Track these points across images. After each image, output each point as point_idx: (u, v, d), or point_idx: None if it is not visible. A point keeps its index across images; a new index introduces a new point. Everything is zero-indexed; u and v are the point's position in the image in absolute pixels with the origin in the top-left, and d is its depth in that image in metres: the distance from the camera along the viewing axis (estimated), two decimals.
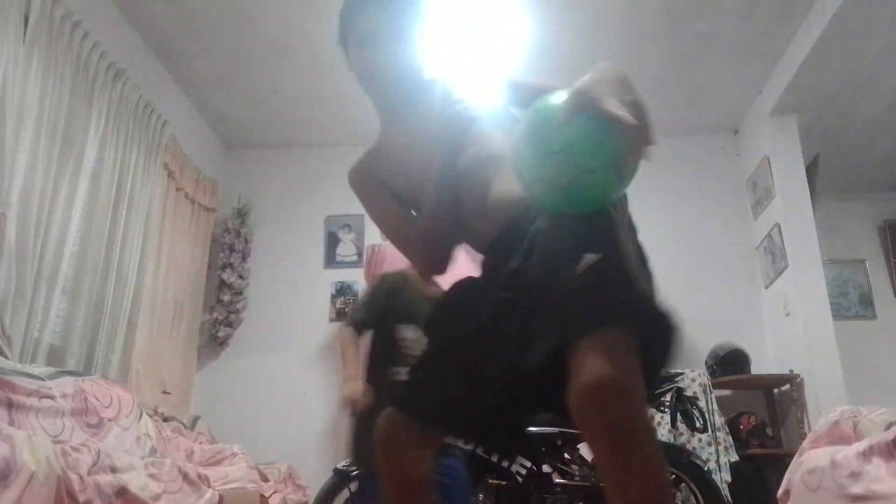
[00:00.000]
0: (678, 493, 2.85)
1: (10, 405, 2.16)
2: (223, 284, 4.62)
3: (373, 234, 4.58)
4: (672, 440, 3.43)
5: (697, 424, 2.95)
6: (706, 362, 4.08)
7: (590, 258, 1.05)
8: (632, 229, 1.25)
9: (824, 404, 3.58)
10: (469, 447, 2.82)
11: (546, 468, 2.89)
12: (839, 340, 3.84)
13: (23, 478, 1.61)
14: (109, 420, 2.73)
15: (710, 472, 3.03)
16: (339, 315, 4.61)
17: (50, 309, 2.92)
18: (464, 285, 1.45)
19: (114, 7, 3.57)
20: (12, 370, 2.31)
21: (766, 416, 4.12)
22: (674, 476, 2.81)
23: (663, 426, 3.47)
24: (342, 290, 4.68)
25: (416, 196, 1.47)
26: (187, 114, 4.47)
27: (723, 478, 3.35)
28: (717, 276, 4.54)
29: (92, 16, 3.27)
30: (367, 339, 2.47)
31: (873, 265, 5.12)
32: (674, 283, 4.43)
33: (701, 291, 4.49)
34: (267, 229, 4.85)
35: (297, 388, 4.44)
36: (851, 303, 5.01)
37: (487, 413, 1.31)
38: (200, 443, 3.49)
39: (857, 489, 2.06)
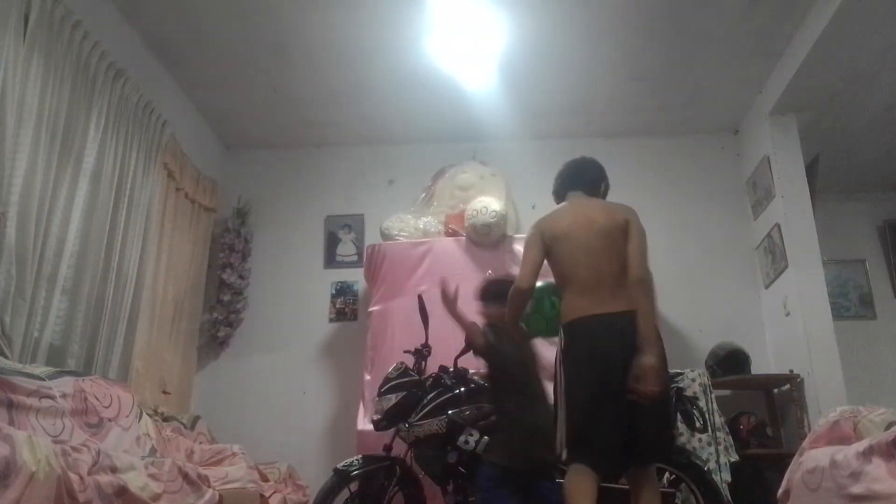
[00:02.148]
0: (678, 493, 2.85)
1: (10, 405, 2.16)
2: (223, 284, 4.62)
3: (373, 234, 4.59)
4: None
5: (697, 424, 2.95)
6: (706, 362, 4.08)
7: None
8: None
9: (824, 404, 3.58)
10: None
11: None
12: (839, 340, 3.84)
13: (23, 478, 1.61)
14: (109, 420, 2.73)
15: (710, 472, 3.03)
16: (339, 315, 4.62)
17: (50, 309, 2.92)
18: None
19: (114, 7, 3.56)
20: (12, 370, 2.31)
21: (766, 416, 4.11)
22: (674, 476, 2.82)
23: None
24: (342, 290, 4.68)
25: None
26: (187, 114, 4.47)
27: (723, 478, 3.35)
28: (717, 276, 4.54)
29: (92, 16, 3.27)
30: None
31: (873, 265, 5.12)
32: (674, 284, 4.49)
33: (701, 291, 4.49)
34: (267, 229, 4.85)
35: (297, 388, 4.44)
36: (851, 303, 5.01)
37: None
38: (200, 443, 3.49)
39: (857, 489, 2.06)
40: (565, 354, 2.19)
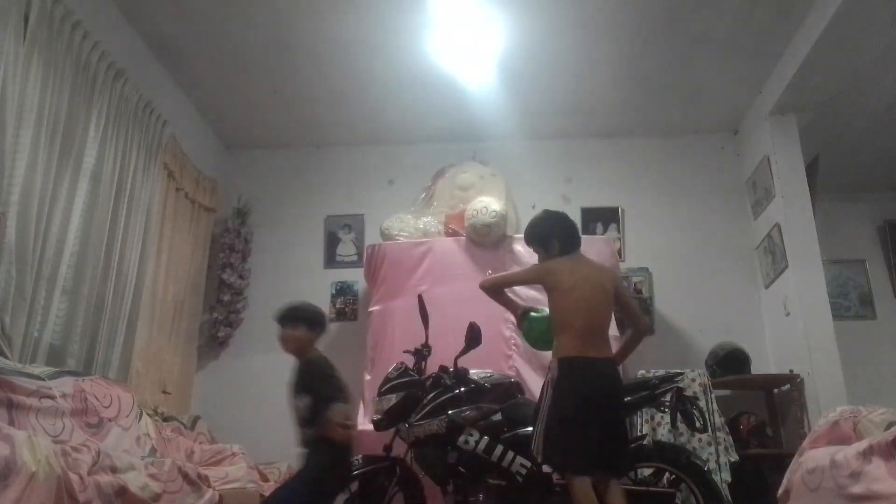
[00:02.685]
0: (678, 493, 2.85)
1: (10, 405, 2.16)
2: (223, 284, 4.62)
3: (373, 234, 4.59)
4: (672, 440, 3.43)
5: (697, 424, 2.94)
6: (706, 362, 4.08)
7: None
8: None
9: (824, 404, 3.58)
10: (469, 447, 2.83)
11: (546, 468, 2.89)
12: (839, 340, 3.84)
13: (23, 478, 1.61)
14: (109, 420, 2.74)
15: (710, 472, 3.03)
16: (339, 315, 4.62)
17: (50, 309, 2.92)
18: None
19: (114, 7, 3.56)
20: (12, 370, 2.31)
21: (766, 416, 4.11)
22: (674, 476, 2.81)
23: (663, 426, 3.47)
24: (342, 290, 4.68)
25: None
26: (187, 114, 4.47)
27: (723, 478, 3.35)
28: (717, 276, 4.54)
29: (92, 16, 3.27)
30: None
31: (873, 265, 5.12)
32: (674, 283, 4.50)
33: (701, 291, 4.49)
34: (267, 229, 4.84)
35: None
36: (851, 303, 5.01)
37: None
38: (200, 443, 3.49)
39: (857, 489, 2.06)
40: (556, 383, 2.61)
